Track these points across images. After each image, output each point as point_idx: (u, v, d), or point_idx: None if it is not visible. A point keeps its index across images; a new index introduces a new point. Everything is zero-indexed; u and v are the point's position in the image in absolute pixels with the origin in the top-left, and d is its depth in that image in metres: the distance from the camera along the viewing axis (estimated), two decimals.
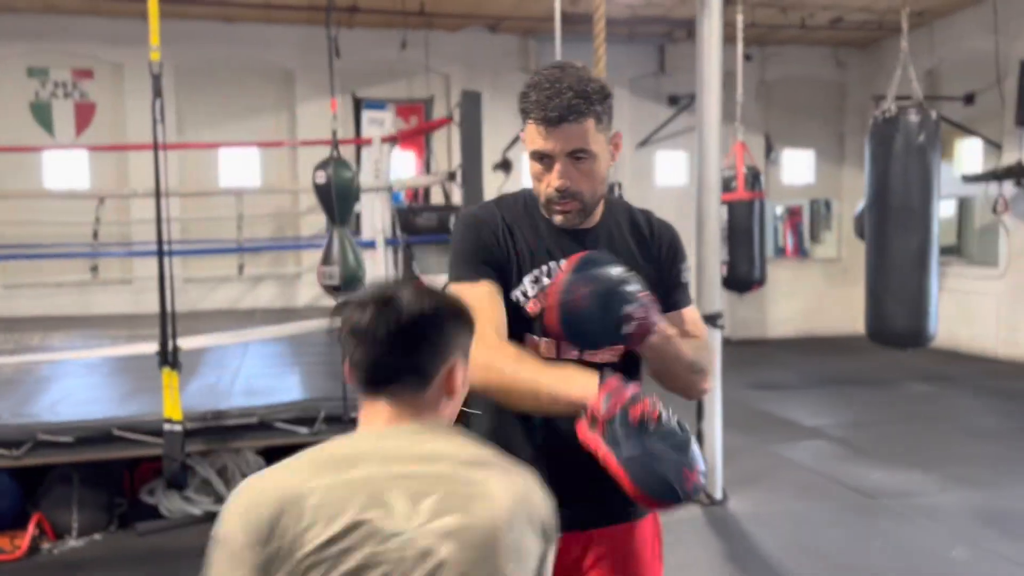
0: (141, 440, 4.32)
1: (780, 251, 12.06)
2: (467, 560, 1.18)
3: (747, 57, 9.25)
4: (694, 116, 11.68)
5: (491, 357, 1.61)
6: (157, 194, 3.89)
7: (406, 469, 1.22)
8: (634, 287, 1.57)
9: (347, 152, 10.58)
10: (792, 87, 11.77)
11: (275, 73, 10.25)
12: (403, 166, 9.31)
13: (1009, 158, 9.23)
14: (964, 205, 10.62)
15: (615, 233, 1.83)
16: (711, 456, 4.85)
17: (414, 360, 1.28)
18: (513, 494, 1.25)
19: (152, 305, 9.56)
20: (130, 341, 5.61)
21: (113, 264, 9.56)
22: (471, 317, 1.34)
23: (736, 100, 7.43)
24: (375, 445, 1.26)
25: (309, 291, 10.42)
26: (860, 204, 9.39)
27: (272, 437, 4.61)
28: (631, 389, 1.45)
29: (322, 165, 3.81)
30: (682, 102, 10.96)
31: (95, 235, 8.90)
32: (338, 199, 3.66)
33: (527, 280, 1.76)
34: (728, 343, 7.03)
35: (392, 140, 5.42)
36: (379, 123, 4.59)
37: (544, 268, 1.77)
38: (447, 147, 9.69)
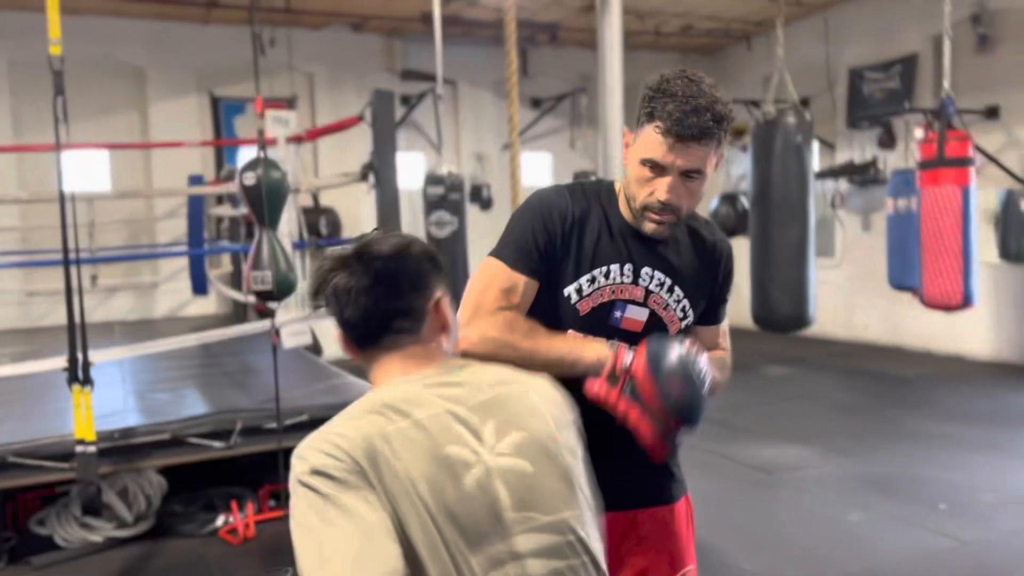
0: (42, 466, 3.97)
1: None
2: (541, 467, 1.31)
3: None
4: (557, 118, 11.97)
5: (500, 332, 1.67)
6: (61, 199, 3.61)
7: (456, 406, 1.30)
8: (698, 357, 1.62)
9: (209, 154, 10.09)
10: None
11: (124, 70, 9.62)
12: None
13: (842, 157, 10.14)
14: None
15: (682, 244, 1.84)
16: None
17: (400, 302, 1.35)
18: (547, 400, 1.41)
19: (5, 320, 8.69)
20: (13, 360, 5.11)
21: None
22: (437, 256, 1.42)
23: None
24: (416, 391, 1.31)
25: (168, 301, 9.88)
26: (714, 201, 10.02)
27: (185, 453, 4.36)
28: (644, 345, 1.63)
29: (251, 166, 3.65)
30: (545, 104, 11.24)
31: None
32: (268, 201, 3.52)
33: (584, 279, 1.75)
34: None
35: (298, 140, 5.25)
36: (284, 123, 4.45)
37: (605, 269, 1.76)
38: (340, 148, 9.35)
